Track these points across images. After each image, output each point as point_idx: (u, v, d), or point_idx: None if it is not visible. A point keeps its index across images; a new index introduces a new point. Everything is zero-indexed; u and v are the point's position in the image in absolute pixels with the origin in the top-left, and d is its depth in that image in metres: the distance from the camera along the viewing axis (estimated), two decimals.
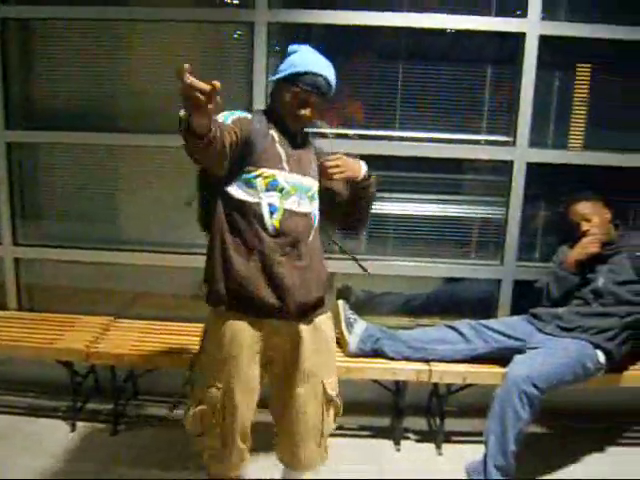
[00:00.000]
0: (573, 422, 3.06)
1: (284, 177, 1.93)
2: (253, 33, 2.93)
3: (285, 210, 1.92)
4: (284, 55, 2.01)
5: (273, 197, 1.91)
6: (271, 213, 1.90)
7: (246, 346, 1.93)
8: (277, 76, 1.98)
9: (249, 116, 1.95)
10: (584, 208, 2.83)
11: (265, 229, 1.90)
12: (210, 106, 1.52)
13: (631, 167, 3.06)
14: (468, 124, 3.09)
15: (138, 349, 2.81)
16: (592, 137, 3.15)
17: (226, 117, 1.89)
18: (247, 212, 1.90)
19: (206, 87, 1.48)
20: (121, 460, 2.67)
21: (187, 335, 2.95)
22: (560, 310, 2.76)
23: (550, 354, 2.55)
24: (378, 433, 2.97)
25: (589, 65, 3.15)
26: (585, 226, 2.79)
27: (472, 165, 3.19)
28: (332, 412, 2.08)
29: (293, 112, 1.96)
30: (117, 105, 3.19)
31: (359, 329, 2.78)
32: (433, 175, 3.15)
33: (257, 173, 1.90)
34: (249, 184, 1.90)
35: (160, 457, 2.69)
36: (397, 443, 2.88)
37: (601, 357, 2.61)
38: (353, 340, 2.76)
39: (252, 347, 1.95)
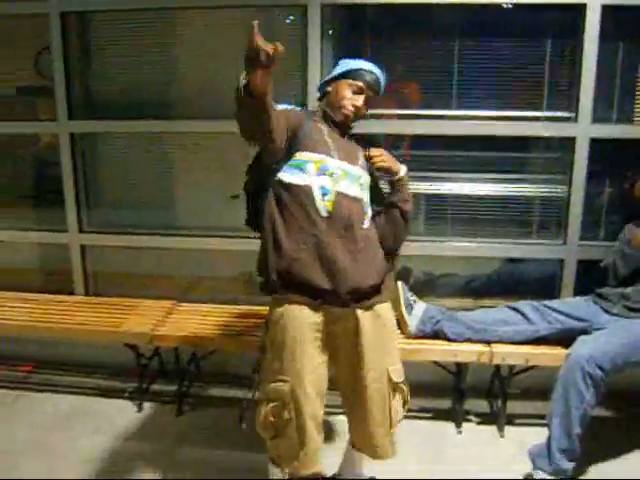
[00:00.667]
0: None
1: (334, 163, 1.96)
2: (307, 16, 2.92)
3: (337, 193, 1.93)
4: (335, 63, 2.16)
5: (325, 180, 1.93)
6: (323, 195, 1.91)
7: (308, 331, 1.93)
8: (331, 75, 2.09)
9: (298, 109, 2.05)
10: None
11: (318, 212, 1.91)
12: (271, 68, 1.60)
13: None
14: (528, 100, 3.01)
15: (200, 332, 2.87)
16: None
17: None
18: (299, 195, 1.91)
19: (271, 49, 1.54)
20: (186, 440, 2.74)
21: (246, 318, 3.00)
22: (628, 290, 2.66)
23: (615, 334, 2.47)
24: (439, 415, 2.96)
25: None
26: None
27: (533, 142, 3.12)
28: (399, 399, 2.08)
29: (345, 103, 2.03)
30: (173, 93, 3.25)
31: (419, 310, 2.76)
32: (493, 154, 3.09)
33: (308, 158, 1.93)
34: (300, 168, 1.93)
35: (224, 437, 2.75)
36: (459, 425, 2.86)
37: None
38: (413, 322, 2.75)
39: (314, 333, 1.95)
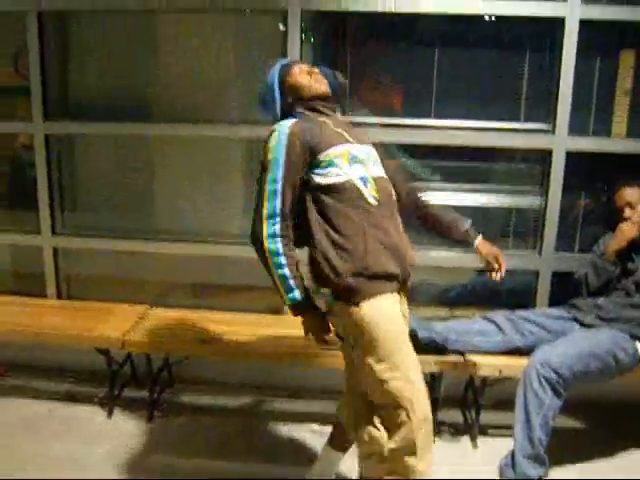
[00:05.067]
0: (614, 416, 2.99)
1: (356, 149, 1.96)
2: (287, 22, 2.91)
3: (374, 178, 1.95)
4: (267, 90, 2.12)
5: (359, 169, 1.93)
6: (365, 184, 1.91)
7: (400, 317, 1.94)
8: (274, 79, 2.10)
9: (294, 130, 1.93)
10: (631, 195, 2.75)
11: (368, 202, 1.90)
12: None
13: None
14: (506, 112, 3.02)
15: (173, 337, 2.85)
16: (636, 125, 3.05)
17: (277, 161, 1.90)
18: (343, 193, 1.90)
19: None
20: (156, 447, 2.70)
21: (221, 324, 2.96)
22: (600, 300, 2.69)
23: (575, 341, 2.48)
24: None
25: (633, 50, 3.05)
26: (627, 213, 2.72)
27: (511, 154, 3.13)
28: None
29: (303, 78, 2.08)
30: (152, 96, 3.22)
31: None
32: (470, 164, 3.10)
33: (333, 154, 1.91)
34: (332, 165, 1.90)
35: (195, 444, 2.72)
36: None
37: None
38: None
39: (403, 318, 1.97)
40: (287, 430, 2.87)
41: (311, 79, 2.08)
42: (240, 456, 2.64)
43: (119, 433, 2.79)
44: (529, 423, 2.34)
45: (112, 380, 2.96)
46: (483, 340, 2.68)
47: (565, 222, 3.07)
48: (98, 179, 3.37)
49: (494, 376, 2.70)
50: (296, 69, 2.09)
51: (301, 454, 2.66)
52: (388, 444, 1.87)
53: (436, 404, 2.84)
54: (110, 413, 2.93)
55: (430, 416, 1.91)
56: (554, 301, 2.95)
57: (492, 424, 2.90)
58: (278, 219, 1.88)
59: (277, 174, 1.89)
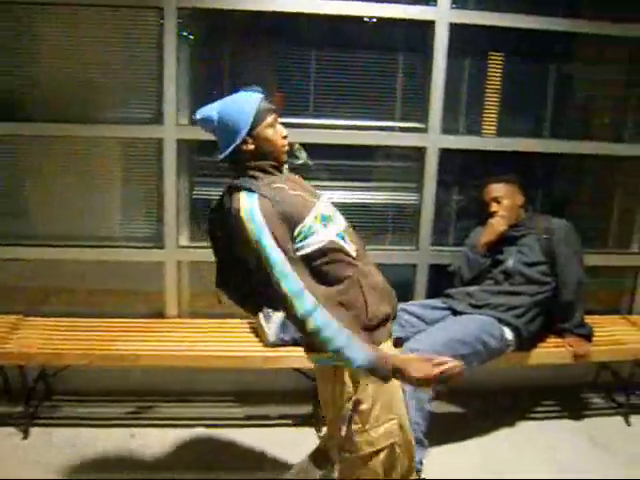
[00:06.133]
0: (487, 401, 3.15)
1: (321, 208, 1.86)
2: (163, 19, 2.85)
3: (344, 230, 1.88)
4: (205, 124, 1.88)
5: (332, 228, 1.84)
6: (344, 240, 1.84)
7: None
8: (240, 138, 1.82)
9: (265, 200, 1.76)
10: (496, 190, 2.92)
11: (351, 255, 1.83)
12: None
13: (543, 153, 3.20)
14: (382, 111, 3.12)
15: (49, 347, 2.71)
16: (505, 124, 3.25)
17: (260, 232, 1.72)
18: (329, 254, 1.79)
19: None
20: (33, 464, 2.55)
21: (98, 331, 2.87)
22: (471, 289, 2.84)
23: (446, 329, 2.60)
24: (300, 421, 2.97)
25: (501, 53, 3.24)
26: (494, 207, 2.88)
27: (387, 151, 3.23)
28: None
29: (279, 141, 1.88)
30: (20, 94, 3.02)
31: (277, 319, 2.76)
32: (348, 162, 3.17)
33: (307, 223, 1.79)
34: (311, 234, 1.79)
35: (75, 459, 2.61)
36: (319, 430, 2.88)
37: (508, 334, 2.70)
38: (272, 330, 2.75)
39: None
40: (176, 435, 2.82)
41: (285, 144, 1.91)
42: (125, 466, 2.58)
43: None
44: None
45: None
46: None
47: (441, 217, 3.21)
48: None
49: None
50: (278, 127, 1.90)
51: (191, 458, 2.64)
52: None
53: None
54: None
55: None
56: (432, 293, 3.07)
57: None
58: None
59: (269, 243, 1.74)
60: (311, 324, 1.66)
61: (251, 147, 1.84)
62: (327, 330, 1.66)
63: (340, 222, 1.90)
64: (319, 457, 2.27)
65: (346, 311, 1.77)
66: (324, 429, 2.19)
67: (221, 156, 1.87)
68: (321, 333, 1.66)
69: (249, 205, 1.75)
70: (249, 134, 1.83)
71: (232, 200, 1.80)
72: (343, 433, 1.84)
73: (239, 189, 1.80)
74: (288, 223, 1.76)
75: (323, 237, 1.80)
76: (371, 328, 1.82)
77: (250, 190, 1.78)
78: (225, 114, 1.84)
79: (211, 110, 1.87)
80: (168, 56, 2.86)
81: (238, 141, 1.83)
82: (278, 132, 1.89)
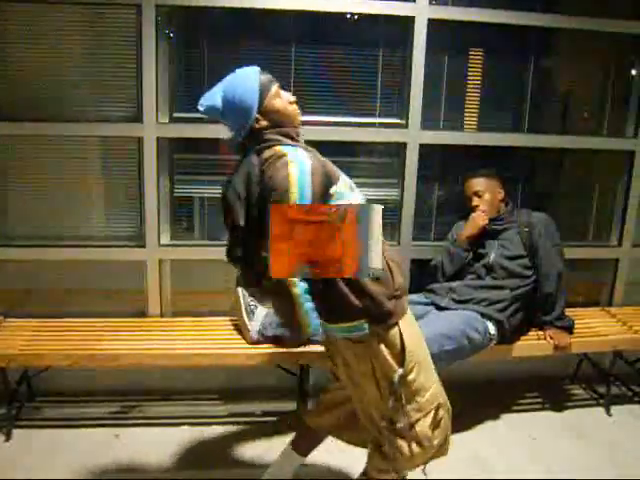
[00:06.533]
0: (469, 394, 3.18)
1: (344, 176, 1.90)
2: (141, 16, 2.82)
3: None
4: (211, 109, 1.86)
5: (357, 195, 1.89)
6: None
7: None
8: (254, 95, 1.83)
9: (316, 163, 1.79)
10: (477, 184, 2.93)
11: None
12: None
13: (522, 147, 3.23)
14: (362, 107, 3.12)
15: (30, 348, 2.69)
16: (485, 118, 3.27)
17: (303, 192, 1.71)
18: None
19: None
20: (16, 466, 2.53)
21: (81, 331, 2.85)
22: (454, 284, 2.86)
23: (430, 324, 2.60)
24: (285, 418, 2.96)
25: (480, 49, 3.26)
26: (475, 201, 2.90)
27: (369, 147, 3.24)
28: None
29: (291, 108, 1.90)
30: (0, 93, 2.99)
31: (260, 316, 2.76)
32: (329, 159, 3.13)
33: (340, 183, 1.83)
34: (341, 197, 1.82)
35: (59, 460, 2.58)
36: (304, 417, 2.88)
37: (491, 328, 2.71)
38: (254, 327, 2.74)
39: None
40: (161, 434, 2.81)
41: (296, 109, 1.92)
42: (109, 467, 2.56)
43: None
44: None
45: None
46: None
47: (422, 212, 3.22)
48: None
49: None
50: (284, 95, 1.90)
51: (176, 457, 2.64)
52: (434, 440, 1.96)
53: (306, 395, 2.88)
54: None
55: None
56: (414, 288, 3.09)
57: None
58: None
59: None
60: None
61: (264, 123, 1.85)
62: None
63: (359, 193, 1.93)
64: (303, 443, 2.30)
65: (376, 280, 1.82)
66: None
67: (238, 139, 1.87)
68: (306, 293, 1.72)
69: (296, 164, 1.73)
70: (258, 111, 1.83)
71: (266, 161, 1.78)
72: (390, 405, 1.87)
73: (272, 148, 1.79)
74: (327, 183, 1.79)
75: (354, 200, 1.84)
76: (397, 297, 1.86)
77: (293, 147, 1.80)
78: (229, 97, 1.84)
79: (214, 97, 1.86)
80: (147, 54, 2.83)
81: (250, 121, 1.83)
82: (285, 99, 1.89)
